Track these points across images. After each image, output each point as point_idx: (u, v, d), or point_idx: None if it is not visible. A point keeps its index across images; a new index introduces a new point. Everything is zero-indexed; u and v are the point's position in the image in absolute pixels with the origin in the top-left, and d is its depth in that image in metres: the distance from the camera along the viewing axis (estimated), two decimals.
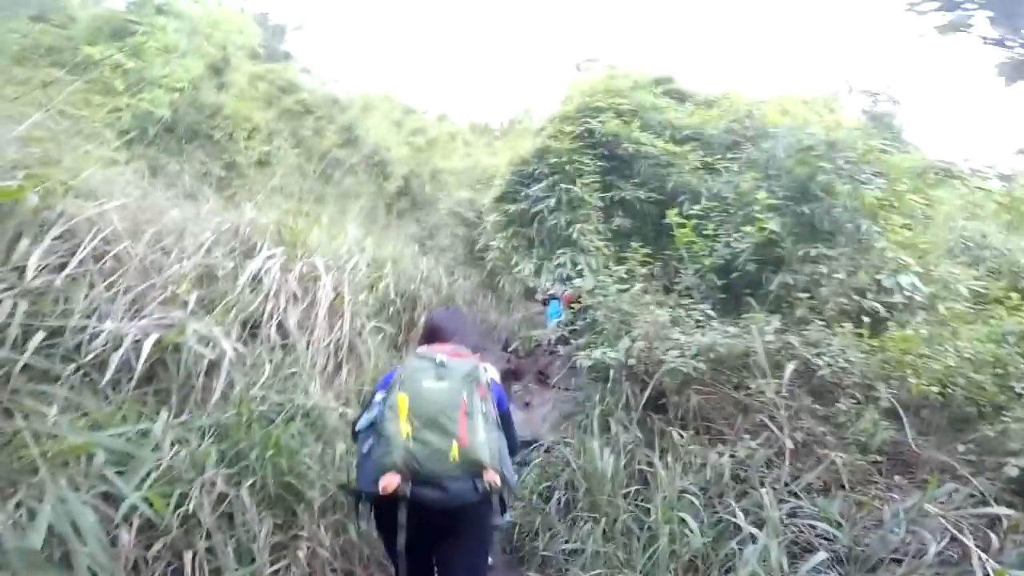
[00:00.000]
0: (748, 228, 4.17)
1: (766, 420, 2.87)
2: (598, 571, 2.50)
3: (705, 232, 4.57)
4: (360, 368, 3.87)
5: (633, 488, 2.93)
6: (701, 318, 3.70)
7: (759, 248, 4.16)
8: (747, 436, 2.84)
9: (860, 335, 3.21)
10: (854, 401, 2.92)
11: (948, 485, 2.15)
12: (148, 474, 2.00)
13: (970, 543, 1.76)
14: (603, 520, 2.77)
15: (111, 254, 2.56)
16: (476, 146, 14.01)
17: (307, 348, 3.40)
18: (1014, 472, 2.20)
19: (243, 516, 2.21)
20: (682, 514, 2.46)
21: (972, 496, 2.15)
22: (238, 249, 3.38)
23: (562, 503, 3.20)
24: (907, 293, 3.55)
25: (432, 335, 2.18)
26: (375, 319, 4.28)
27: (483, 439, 1.69)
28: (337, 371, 3.72)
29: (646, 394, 3.33)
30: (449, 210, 9.55)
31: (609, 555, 2.45)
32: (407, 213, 10.07)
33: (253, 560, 2.13)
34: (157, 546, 1.93)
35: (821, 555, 1.94)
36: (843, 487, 2.48)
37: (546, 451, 3.78)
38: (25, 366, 1.99)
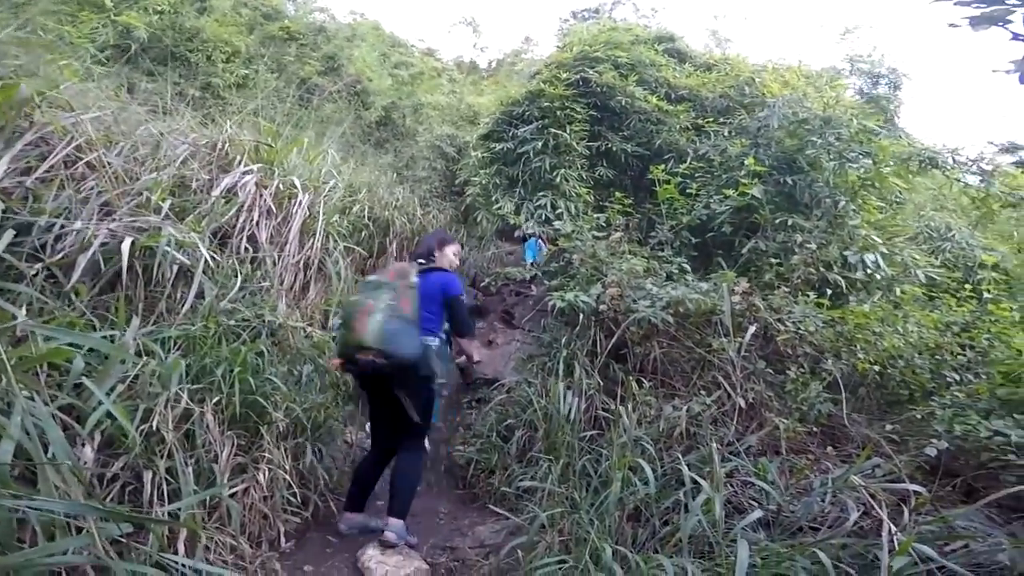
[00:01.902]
0: (730, 192, 4.26)
1: (721, 379, 3.02)
2: (553, 510, 2.57)
3: (688, 191, 4.67)
4: (328, 288, 3.87)
5: (591, 433, 3.06)
6: (674, 272, 3.83)
7: (737, 212, 4.28)
8: (702, 392, 2.99)
9: (821, 305, 3.38)
10: (802, 371, 3.10)
11: (873, 460, 2.34)
12: (114, 387, 1.96)
13: (884, 516, 1.95)
14: (560, 461, 2.89)
15: (84, 161, 2.48)
16: (462, 84, 13.84)
17: (276, 264, 3.37)
18: (932, 452, 2.42)
19: (206, 435, 2.23)
20: (638, 460, 2.57)
21: (891, 473, 2.36)
22: (215, 163, 3.29)
23: (522, 442, 3.32)
24: (870, 271, 3.73)
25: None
26: (347, 241, 4.24)
27: (372, 329, 2.47)
28: (305, 290, 3.72)
29: (611, 342, 3.43)
30: (429, 143, 9.50)
31: (563, 496, 2.58)
32: (386, 144, 9.96)
33: (213, 482, 2.14)
34: (118, 464, 1.90)
35: (757, 513, 2.06)
36: (779, 452, 2.68)
37: (507, 391, 3.91)
38: None
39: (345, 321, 2.61)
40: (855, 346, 3.22)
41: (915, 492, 2.15)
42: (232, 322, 2.74)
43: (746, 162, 4.25)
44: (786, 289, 3.51)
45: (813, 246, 3.72)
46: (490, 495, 3.22)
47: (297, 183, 3.62)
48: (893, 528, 1.93)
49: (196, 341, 2.47)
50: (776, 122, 4.39)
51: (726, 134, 5.29)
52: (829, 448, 2.75)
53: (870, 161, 4.17)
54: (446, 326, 3.02)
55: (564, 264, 4.49)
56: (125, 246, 2.30)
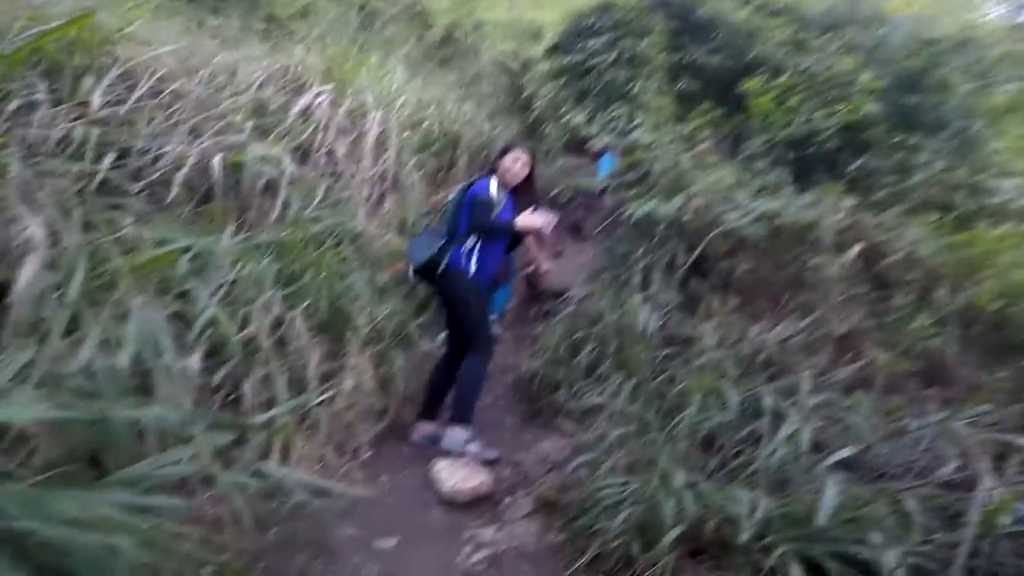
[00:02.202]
0: (839, 107, 3.92)
1: (817, 302, 2.83)
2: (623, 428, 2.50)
3: (787, 104, 4.28)
4: (403, 199, 3.91)
5: (666, 352, 2.98)
6: (767, 186, 3.59)
7: (845, 129, 3.95)
8: (793, 316, 2.82)
9: (941, 228, 3.06)
10: (910, 300, 2.84)
11: (981, 407, 2.16)
12: (215, 292, 2.05)
13: (985, 468, 1.81)
14: (631, 380, 2.83)
15: (168, 91, 2.65)
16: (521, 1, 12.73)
17: (354, 177, 3.44)
18: None
19: (297, 342, 2.36)
20: (718, 384, 2.48)
21: (995, 425, 2.17)
22: (289, 86, 3.45)
23: (591, 358, 3.26)
24: (1007, 197, 3.32)
25: None
26: (419, 155, 4.23)
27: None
28: (381, 201, 3.79)
29: (693, 256, 3.28)
30: (492, 60, 9.01)
31: (633, 416, 2.52)
32: (449, 62, 9.53)
33: (303, 390, 2.25)
34: (221, 373, 2.00)
35: (845, 451, 1.95)
36: (873, 388, 2.52)
37: (577, 304, 3.86)
38: (100, 185, 2.08)
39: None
40: (977, 276, 2.88)
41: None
42: (317, 228, 2.85)
43: (860, 79, 3.96)
44: (901, 208, 3.19)
45: (940, 165, 3.34)
46: (555, 411, 3.26)
47: (369, 100, 3.71)
48: (992, 483, 1.80)
49: (285, 247, 2.57)
50: (899, 40, 4.00)
51: (833, 50, 4.93)
52: (930, 389, 2.56)
53: (1014, 86, 3.69)
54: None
55: (642, 175, 4.28)
56: (216, 161, 2.46)
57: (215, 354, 2.06)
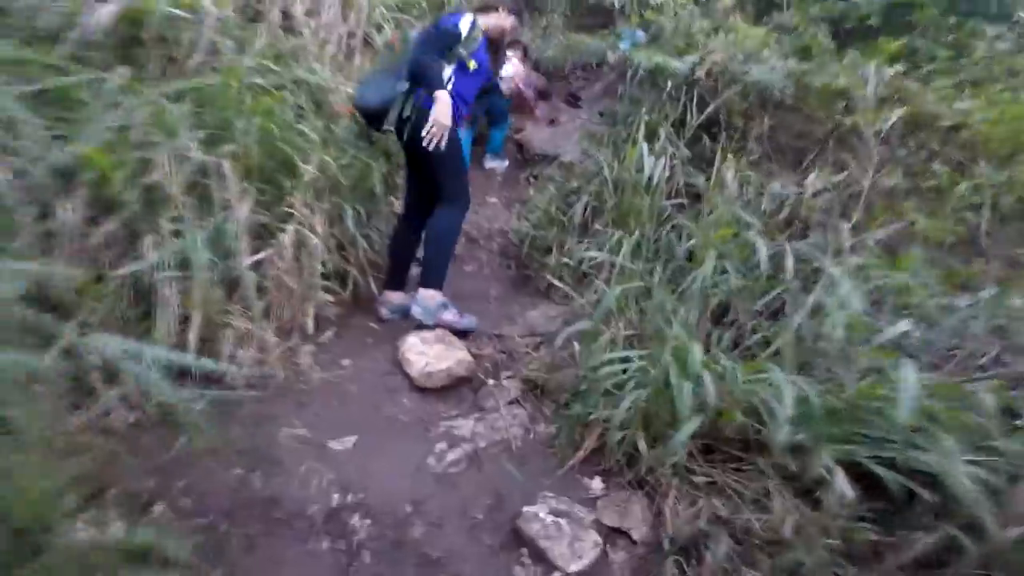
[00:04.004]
0: None
1: (850, 159, 2.36)
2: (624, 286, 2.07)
3: None
4: (376, 57, 3.22)
5: (674, 203, 2.55)
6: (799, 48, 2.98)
7: (890, 8, 3.49)
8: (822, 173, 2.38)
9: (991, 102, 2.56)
10: (952, 171, 2.41)
11: None
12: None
13: None
14: (633, 236, 2.38)
15: None
16: None
17: (315, 31, 2.96)
18: None
19: (222, 193, 1.84)
20: (736, 237, 2.06)
21: None
22: None
23: (586, 213, 2.85)
24: None
25: None
26: (398, 13, 3.49)
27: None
28: (350, 59, 3.25)
29: (707, 111, 2.72)
30: None
31: (635, 275, 2.11)
32: None
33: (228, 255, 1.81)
34: (109, 225, 1.56)
35: (904, 324, 1.52)
36: None
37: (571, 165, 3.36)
38: None
39: None
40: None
41: None
42: (260, 80, 2.27)
43: None
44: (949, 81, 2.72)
45: (1005, 46, 2.77)
46: (544, 277, 2.90)
47: None
48: None
49: (214, 95, 2.02)
50: None
51: None
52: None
53: None
54: (450, 67, 2.38)
55: (653, 36, 3.88)
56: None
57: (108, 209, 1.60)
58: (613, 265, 2.14)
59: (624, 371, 1.78)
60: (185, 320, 1.75)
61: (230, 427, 1.75)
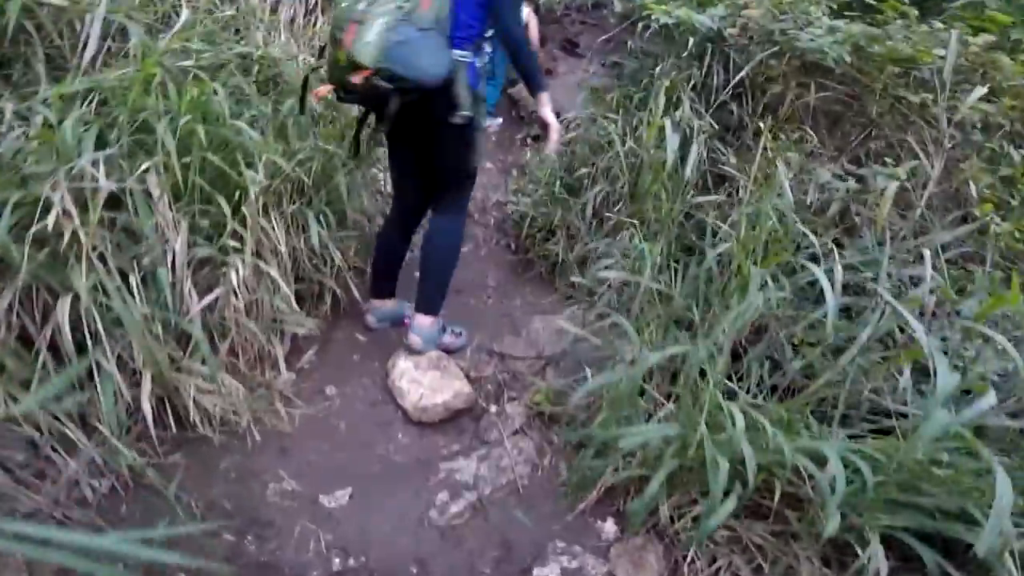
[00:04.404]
0: None
1: (915, 145, 2.00)
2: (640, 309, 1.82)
3: None
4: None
5: (695, 197, 2.18)
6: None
7: None
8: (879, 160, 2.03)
9: None
10: None
11: None
12: None
13: None
14: (652, 233, 2.09)
15: None
16: None
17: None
18: None
19: (146, 221, 1.48)
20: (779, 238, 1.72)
21: None
22: None
23: (596, 199, 2.49)
24: None
25: None
26: None
27: (370, 39, 1.62)
28: (309, 22, 2.73)
29: (739, 75, 2.30)
30: None
31: (660, 296, 1.80)
32: None
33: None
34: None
35: (990, 400, 1.16)
36: (984, 263, 1.84)
37: (575, 128, 2.93)
38: None
39: (331, 34, 1.73)
40: None
41: None
42: (189, 62, 1.82)
43: None
44: None
45: None
46: (551, 265, 2.62)
47: None
48: None
49: (122, 94, 1.60)
50: None
51: None
52: None
53: None
54: (489, 34, 1.91)
55: None
56: None
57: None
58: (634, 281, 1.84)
59: (647, 425, 1.55)
60: (137, 373, 1.49)
61: (212, 486, 1.59)
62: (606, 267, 1.94)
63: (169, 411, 1.59)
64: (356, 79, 1.63)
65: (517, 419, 1.94)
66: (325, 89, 1.75)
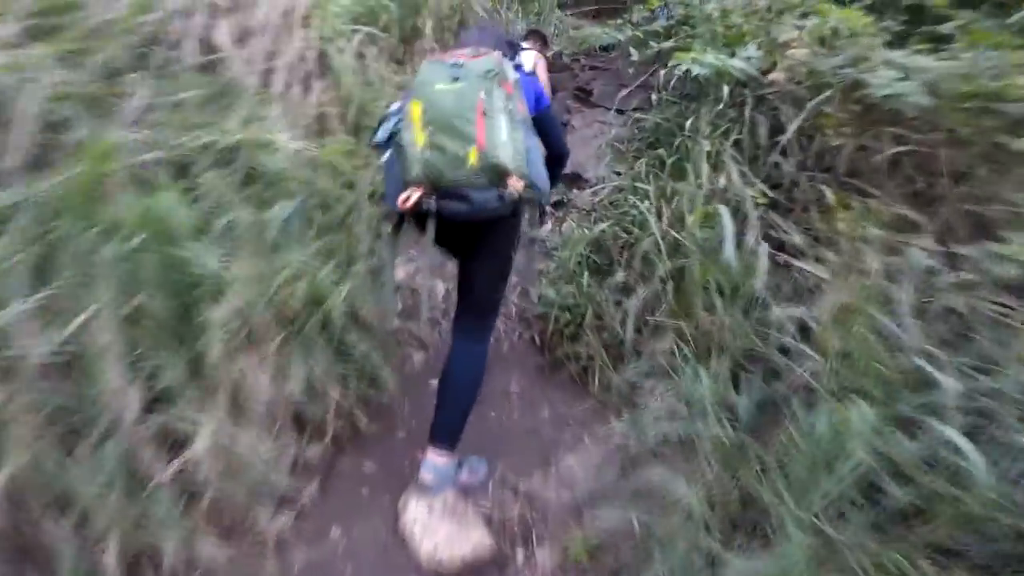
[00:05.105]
0: None
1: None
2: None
3: None
4: (339, 86, 2.45)
5: (750, 291, 1.79)
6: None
7: None
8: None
9: None
10: None
11: None
12: None
13: None
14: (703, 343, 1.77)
15: None
16: None
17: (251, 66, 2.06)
18: None
19: (94, 388, 1.26)
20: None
21: None
22: None
23: (640, 295, 2.09)
24: None
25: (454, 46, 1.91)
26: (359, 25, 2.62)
27: (505, 139, 1.45)
28: (307, 93, 2.41)
29: (790, 130, 1.97)
30: None
31: (727, 450, 1.47)
32: None
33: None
34: None
35: None
36: None
37: (594, 193, 2.64)
38: None
39: (438, 120, 1.46)
40: None
41: None
42: (149, 156, 1.54)
43: None
44: None
45: None
46: (579, 367, 2.26)
47: None
48: None
49: (65, 204, 1.34)
50: None
51: None
52: None
53: None
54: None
55: (676, 23, 3.06)
56: None
57: None
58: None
59: None
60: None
61: None
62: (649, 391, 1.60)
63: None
64: (509, 186, 1.44)
65: (548, 565, 1.62)
66: (416, 196, 1.49)
